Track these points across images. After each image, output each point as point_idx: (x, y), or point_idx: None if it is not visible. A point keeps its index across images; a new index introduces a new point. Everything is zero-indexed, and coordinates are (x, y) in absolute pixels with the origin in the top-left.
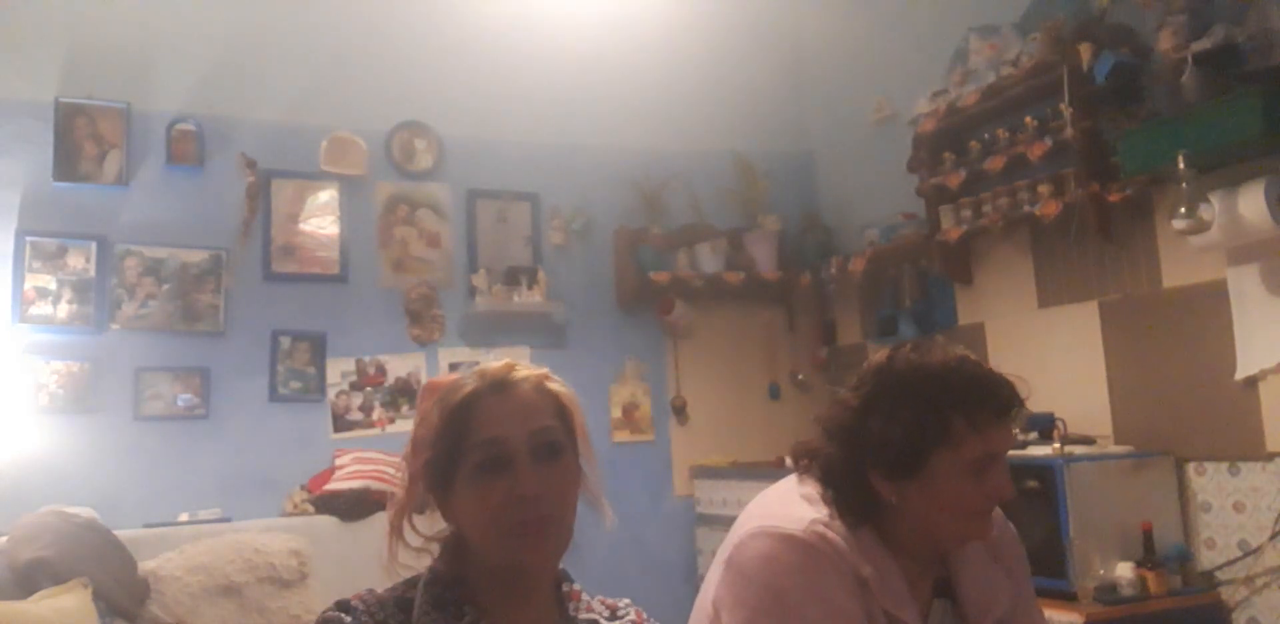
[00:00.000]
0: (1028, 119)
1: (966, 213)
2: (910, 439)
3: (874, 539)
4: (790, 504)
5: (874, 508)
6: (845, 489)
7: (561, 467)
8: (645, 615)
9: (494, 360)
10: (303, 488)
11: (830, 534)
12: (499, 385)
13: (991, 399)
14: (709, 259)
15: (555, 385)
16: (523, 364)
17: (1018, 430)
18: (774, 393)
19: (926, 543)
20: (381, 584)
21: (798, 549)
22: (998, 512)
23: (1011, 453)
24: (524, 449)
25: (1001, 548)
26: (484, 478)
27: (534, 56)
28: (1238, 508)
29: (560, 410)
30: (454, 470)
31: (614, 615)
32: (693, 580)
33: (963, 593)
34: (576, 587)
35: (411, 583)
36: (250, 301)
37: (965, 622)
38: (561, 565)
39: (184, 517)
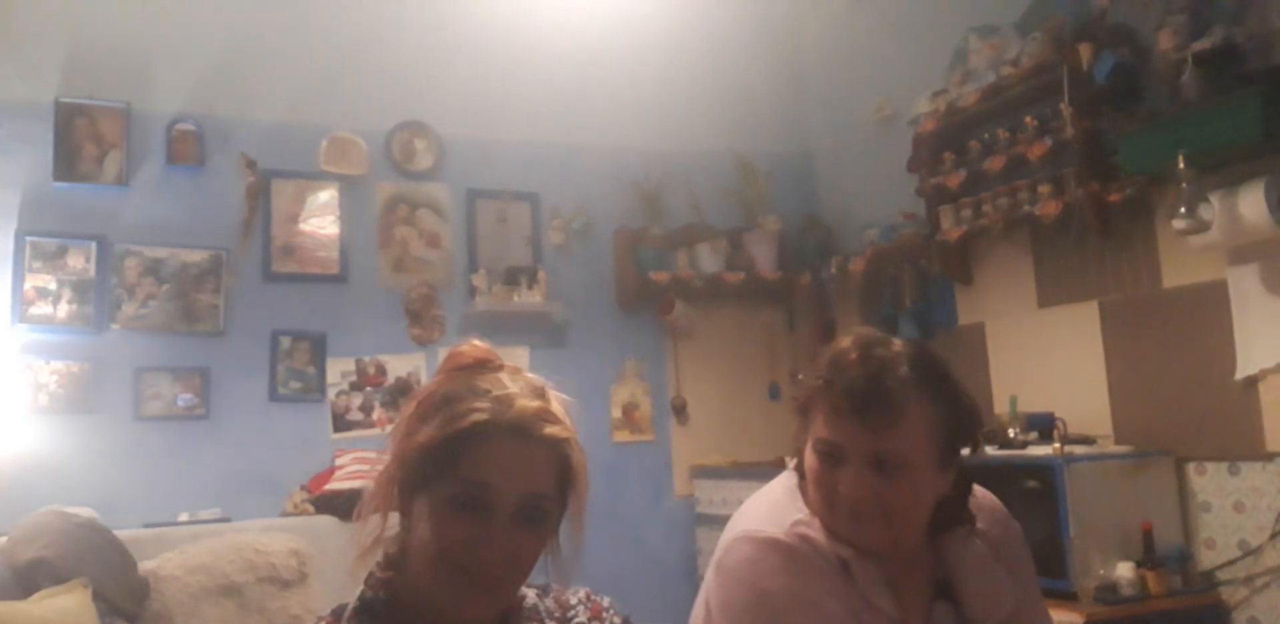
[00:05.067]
0: (1028, 119)
1: (966, 213)
2: (799, 407)
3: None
4: (777, 505)
5: None
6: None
7: (536, 534)
8: (605, 605)
9: (526, 373)
10: (303, 488)
11: (811, 533)
12: (520, 432)
13: (846, 390)
14: (709, 259)
15: (575, 454)
16: (555, 412)
17: (893, 444)
18: (774, 393)
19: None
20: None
21: (781, 553)
22: (1001, 510)
23: (1012, 453)
24: (509, 508)
25: (1004, 547)
26: (454, 513)
27: (534, 56)
28: (1238, 508)
29: (564, 479)
30: (427, 486)
31: (564, 619)
32: (692, 580)
33: (963, 595)
34: (525, 591)
35: (339, 611)
36: (250, 302)
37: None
38: None
39: (184, 517)
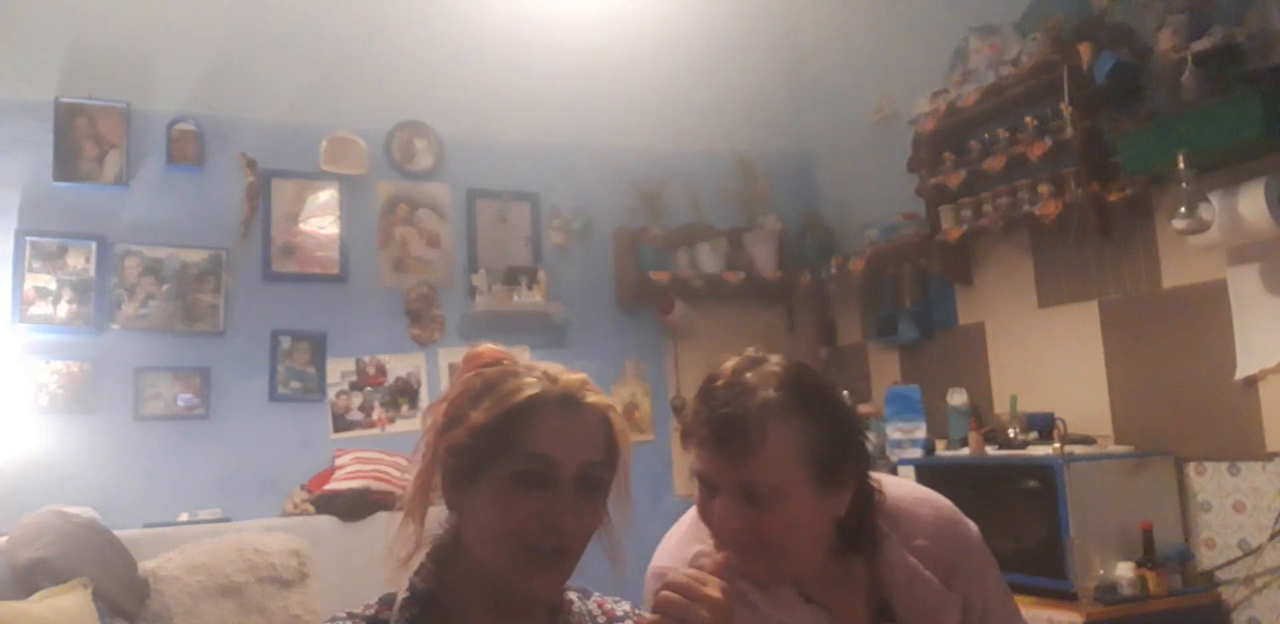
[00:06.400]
0: (1028, 119)
1: (966, 213)
2: (683, 438)
3: None
4: (683, 538)
5: None
6: None
7: (594, 501)
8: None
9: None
10: (303, 488)
11: (710, 564)
12: (570, 401)
13: (706, 422)
14: (709, 259)
15: (618, 420)
16: (592, 384)
17: (764, 474)
18: None
19: None
20: (381, 584)
21: None
22: (947, 519)
23: (1012, 453)
24: (571, 476)
25: (952, 558)
26: (519, 489)
27: (534, 56)
28: (1238, 508)
29: (611, 447)
30: (485, 467)
31: None
32: None
33: (902, 617)
34: (570, 595)
35: (387, 601)
36: (250, 302)
37: None
38: None
39: (184, 517)
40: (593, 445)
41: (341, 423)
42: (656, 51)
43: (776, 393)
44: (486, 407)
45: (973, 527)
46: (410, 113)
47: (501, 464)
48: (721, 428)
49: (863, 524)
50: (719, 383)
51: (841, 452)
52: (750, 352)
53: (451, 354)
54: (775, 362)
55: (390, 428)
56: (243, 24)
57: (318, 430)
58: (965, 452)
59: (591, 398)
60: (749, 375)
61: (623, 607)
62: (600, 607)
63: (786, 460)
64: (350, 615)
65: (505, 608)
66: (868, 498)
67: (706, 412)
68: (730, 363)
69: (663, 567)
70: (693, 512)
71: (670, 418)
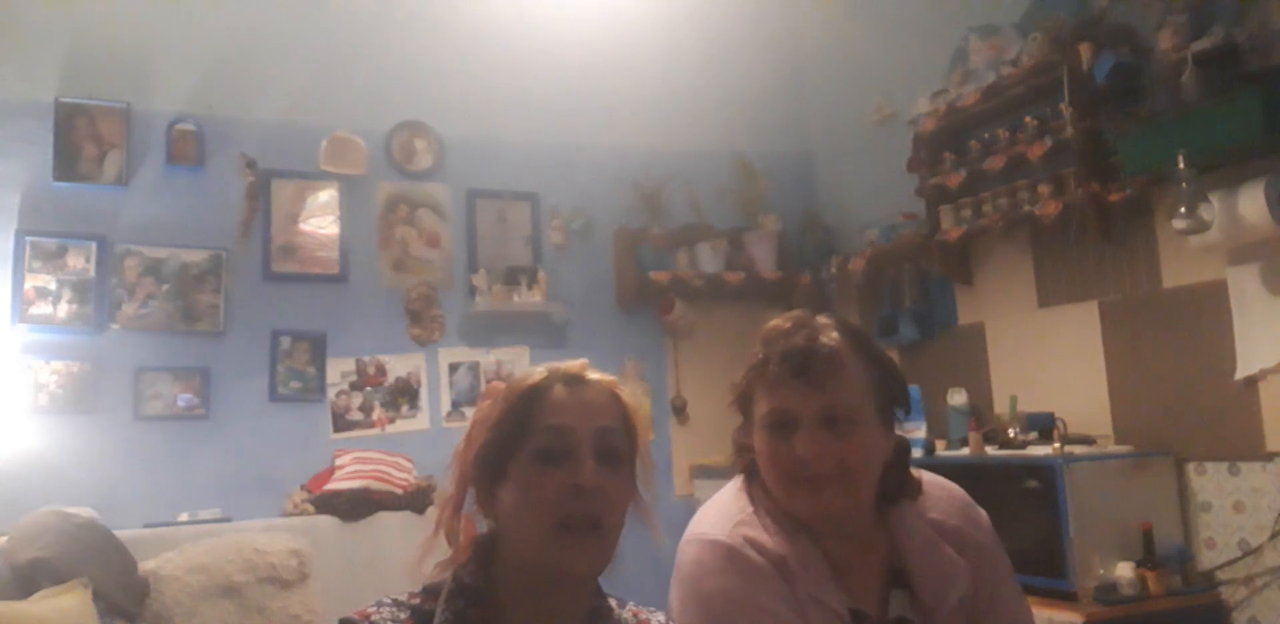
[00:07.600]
0: (1028, 119)
1: (966, 213)
2: (739, 396)
3: (792, 524)
4: (724, 507)
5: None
6: (752, 471)
7: (619, 475)
8: None
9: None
10: (303, 488)
11: (752, 532)
12: (573, 379)
13: (785, 356)
14: (709, 259)
15: (626, 395)
16: (595, 368)
17: (838, 400)
18: None
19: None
20: (387, 584)
21: (722, 555)
22: (961, 499)
23: (1012, 453)
24: (588, 443)
25: (967, 535)
26: (541, 466)
27: (534, 56)
28: (1238, 508)
29: (624, 418)
30: (509, 457)
31: None
32: None
33: (915, 580)
34: (611, 602)
35: (432, 592)
36: (250, 301)
37: (922, 608)
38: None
39: (184, 517)
40: (604, 413)
41: (341, 423)
42: (656, 51)
43: (840, 334)
44: (500, 403)
45: (983, 512)
46: (410, 113)
47: (522, 449)
48: (804, 357)
49: (902, 472)
50: (785, 326)
51: (893, 395)
52: (796, 311)
53: (451, 354)
54: (824, 316)
55: (390, 428)
56: (243, 24)
57: (318, 430)
58: (965, 452)
59: (594, 375)
60: (809, 321)
61: (657, 618)
62: (635, 616)
63: (860, 389)
64: (396, 602)
65: (546, 602)
66: (905, 449)
67: (783, 347)
68: (784, 316)
69: (702, 532)
70: (733, 484)
71: (670, 418)
